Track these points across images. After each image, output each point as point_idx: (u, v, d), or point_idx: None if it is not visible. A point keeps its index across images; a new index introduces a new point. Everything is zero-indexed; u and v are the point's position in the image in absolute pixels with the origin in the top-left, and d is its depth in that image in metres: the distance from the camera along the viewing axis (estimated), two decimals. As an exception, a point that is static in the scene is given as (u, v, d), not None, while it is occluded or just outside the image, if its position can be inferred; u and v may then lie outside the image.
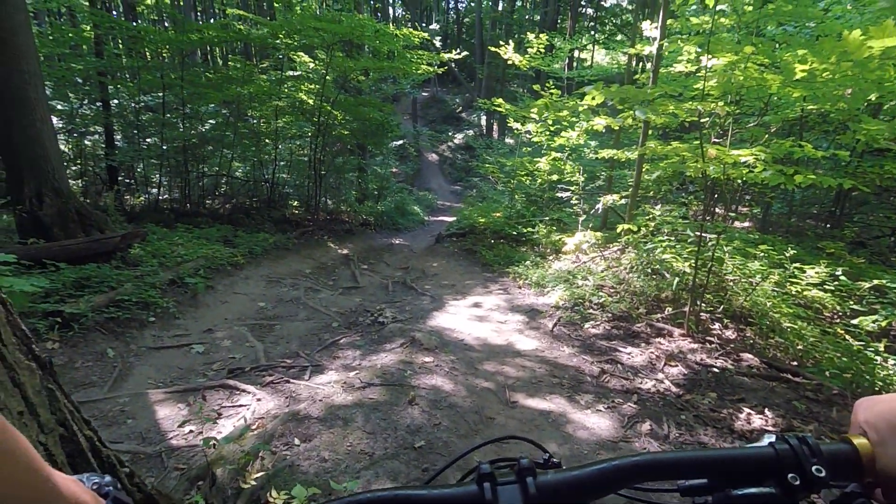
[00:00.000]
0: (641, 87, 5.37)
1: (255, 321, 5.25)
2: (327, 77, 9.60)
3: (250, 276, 6.62)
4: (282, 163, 11.19)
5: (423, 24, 27.50)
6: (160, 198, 9.39)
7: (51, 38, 8.63)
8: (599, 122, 5.54)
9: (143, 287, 4.89)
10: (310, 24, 8.62)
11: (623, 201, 6.71)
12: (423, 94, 25.87)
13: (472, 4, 30.31)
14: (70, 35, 9.17)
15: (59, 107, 8.81)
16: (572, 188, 8.12)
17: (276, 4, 18.80)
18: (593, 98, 4.78)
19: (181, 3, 19.19)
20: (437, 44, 24.87)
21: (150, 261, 5.65)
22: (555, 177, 8.44)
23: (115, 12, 16.75)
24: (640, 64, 9.41)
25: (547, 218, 8.68)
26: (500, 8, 25.89)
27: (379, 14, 24.59)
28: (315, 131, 10.16)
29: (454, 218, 12.28)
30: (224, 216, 9.13)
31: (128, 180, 9.89)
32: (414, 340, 4.46)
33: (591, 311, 5.29)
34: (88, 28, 9.23)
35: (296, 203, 11.18)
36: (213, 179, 10.39)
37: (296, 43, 9.54)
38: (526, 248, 8.27)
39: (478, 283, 7.04)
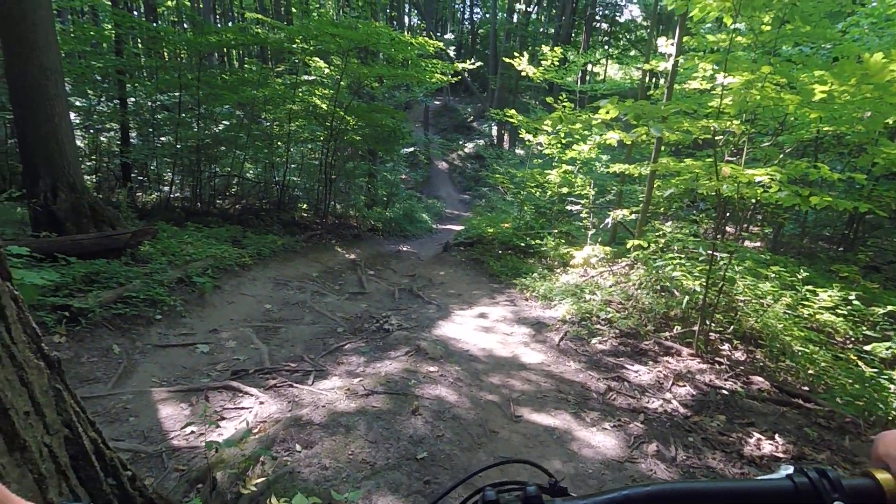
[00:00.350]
0: (656, 103, 5.36)
1: (261, 323, 5.25)
2: (342, 83, 9.68)
3: (257, 277, 6.63)
4: (293, 165, 11.26)
5: (438, 34, 27.75)
6: (172, 196, 9.47)
7: (73, 35, 8.78)
8: (613, 137, 5.53)
9: (151, 284, 4.91)
10: (326, 30, 8.70)
11: (633, 216, 6.67)
12: (436, 102, 25.99)
13: (488, 16, 30.55)
14: (91, 33, 9.32)
15: (77, 103, 8.94)
16: (582, 201, 8.09)
17: (293, 10, 19.08)
18: (608, 112, 4.78)
19: (201, 6, 19.50)
20: (451, 53, 25.04)
21: (160, 258, 5.68)
22: (565, 189, 8.42)
23: (136, 12, 17.03)
24: (654, 80, 9.40)
25: (556, 230, 8.64)
26: (514, 20, 26.06)
27: (395, 22, 24.85)
28: (327, 136, 10.23)
29: (462, 227, 12.27)
30: (234, 216, 9.18)
31: (141, 178, 9.99)
32: (419, 349, 4.43)
33: (598, 326, 5.24)
34: (110, 27, 9.38)
35: (305, 206, 11.23)
36: (225, 180, 10.47)
37: (312, 48, 9.64)
38: (534, 260, 8.23)
39: (484, 294, 7.00)
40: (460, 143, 24.19)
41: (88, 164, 9.31)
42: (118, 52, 9.05)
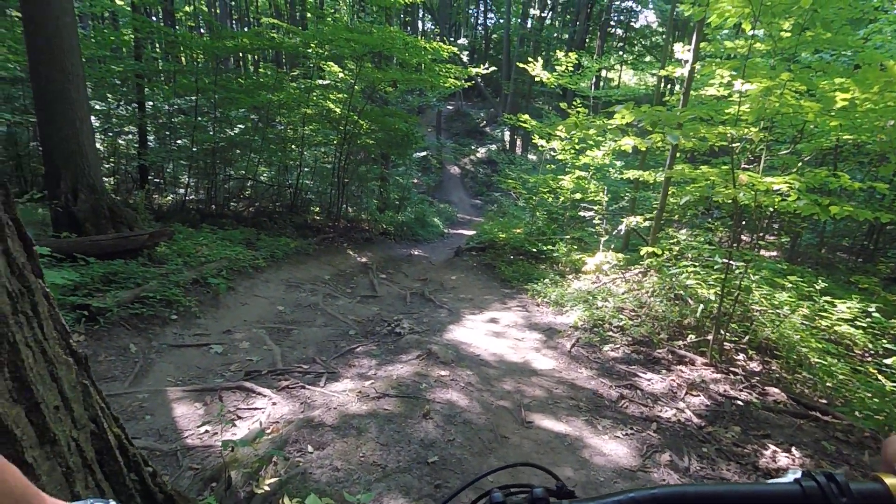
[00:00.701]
0: (672, 110, 5.33)
1: (274, 325, 5.29)
2: (356, 87, 9.76)
3: (271, 279, 6.69)
4: (306, 169, 11.37)
5: (452, 39, 27.87)
6: (187, 198, 9.61)
7: (93, 40, 8.96)
8: (628, 143, 5.49)
9: (167, 285, 4.98)
10: (341, 35, 8.79)
11: (647, 223, 6.62)
12: (448, 107, 26.08)
13: (501, 21, 30.64)
14: (112, 38, 9.52)
15: (97, 106, 9.12)
16: (595, 208, 8.05)
17: (308, 15, 19.30)
18: (623, 117, 4.76)
19: (218, 12, 19.82)
20: (465, 58, 25.12)
21: (176, 259, 5.76)
22: (578, 195, 8.39)
23: (154, 17, 17.36)
24: (670, 86, 9.35)
25: (568, 236, 8.61)
26: (528, 25, 26.10)
27: (409, 27, 24.99)
28: (340, 139, 10.31)
29: (474, 232, 12.27)
30: (248, 219, 9.29)
31: (157, 180, 10.15)
32: (430, 353, 4.43)
33: (610, 333, 5.20)
34: (129, 32, 9.58)
35: (317, 209, 11.32)
36: (239, 182, 10.60)
37: (326, 52, 9.74)
38: (545, 266, 8.20)
39: (496, 299, 6.99)
40: (473, 147, 24.23)
41: (107, 166, 9.49)
42: (137, 57, 9.23)
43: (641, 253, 6.02)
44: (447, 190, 20.38)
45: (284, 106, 9.81)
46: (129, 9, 10.19)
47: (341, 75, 10.15)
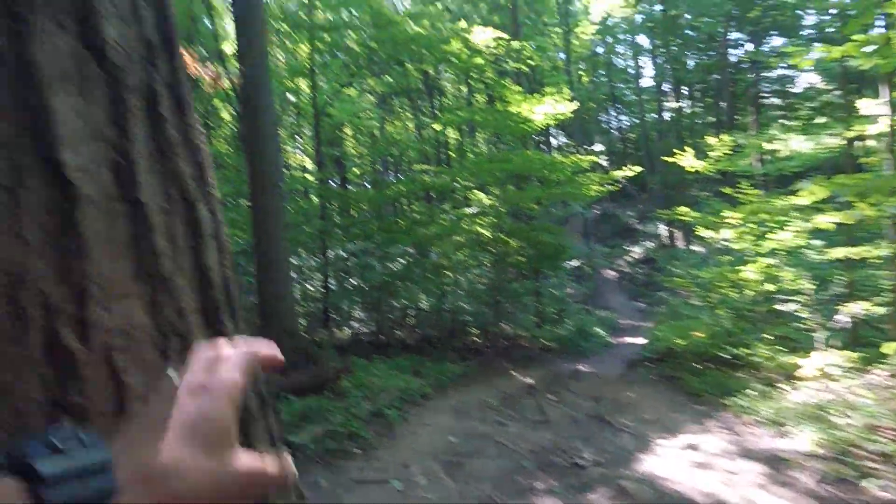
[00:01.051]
0: (877, 174, 4.45)
1: (447, 457, 5.15)
2: (501, 210, 10.33)
3: (439, 406, 6.72)
4: (461, 292, 11.91)
5: (586, 146, 28.58)
6: (360, 331, 10.66)
7: (291, 209, 11.24)
8: (825, 220, 4.64)
9: (349, 418, 5.30)
10: (483, 167, 9.68)
11: (882, 310, 5.22)
12: (595, 211, 25.89)
13: (636, 121, 30.82)
14: (304, 206, 11.87)
15: (293, 262, 11.11)
16: (797, 297, 6.70)
17: (451, 155, 21.92)
18: (813, 194, 4.09)
19: (379, 168, 23.67)
20: (604, 162, 25.34)
21: (354, 392, 6.18)
22: (770, 286, 7.12)
23: (332, 182, 21.39)
24: (862, 144, 7.99)
25: (766, 336, 7.19)
26: (666, 117, 25.71)
27: (542, 146, 26.52)
28: (492, 260, 10.74)
29: (642, 338, 11.13)
30: (412, 346, 9.82)
31: (335, 317, 11.57)
32: (622, 491, 3.80)
33: (868, 462, 3.90)
34: (316, 200, 11.86)
35: (475, 330, 11.52)
36: (402, 312, 11.49)
37: (471, 184, 10.70)
38: (743, 373, 6.84)
39: (688, 419, 5.93)
40: (625, 248, 23.17)
41: (298, 309, 11.18)
42: (322, 217, 11.25)
43: (884, 350, 4.67)
44: (605, 296, 19.30)
45: (437, 237, 10.75)
46: (317, 182, 12.78)
47: (486, 201, 10.92)
